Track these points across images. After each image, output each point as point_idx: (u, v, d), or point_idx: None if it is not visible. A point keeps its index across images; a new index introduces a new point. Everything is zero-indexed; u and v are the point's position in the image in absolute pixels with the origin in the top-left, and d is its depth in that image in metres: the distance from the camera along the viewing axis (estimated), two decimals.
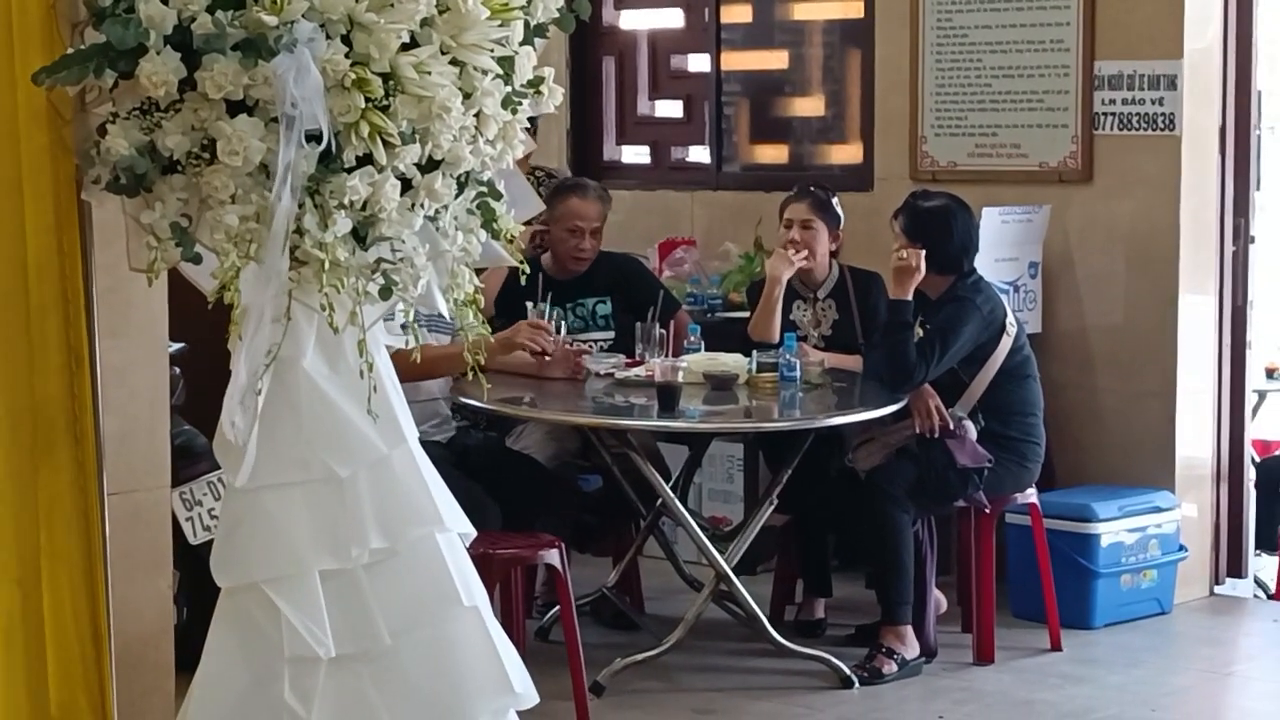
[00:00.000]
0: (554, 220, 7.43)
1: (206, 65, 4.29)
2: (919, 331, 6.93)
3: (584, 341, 7.22)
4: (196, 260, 4.51)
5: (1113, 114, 7.90)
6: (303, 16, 4.32)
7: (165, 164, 4.39)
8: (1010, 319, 7.16)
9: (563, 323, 7.18)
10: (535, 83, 4.77)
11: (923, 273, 6.94)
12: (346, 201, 4.42)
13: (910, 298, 6.94)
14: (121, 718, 4.69)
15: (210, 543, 4.80)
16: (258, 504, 4.53)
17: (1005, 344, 7.07)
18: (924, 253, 6.97)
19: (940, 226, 7.10)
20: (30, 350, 4.51)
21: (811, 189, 7.58)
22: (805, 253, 7.35)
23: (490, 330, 5.20)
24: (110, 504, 4.71)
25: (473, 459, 6.78)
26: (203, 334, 6.08)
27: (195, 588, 5.58)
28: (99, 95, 4.44)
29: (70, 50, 4.42)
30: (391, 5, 4.39)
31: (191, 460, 5.90)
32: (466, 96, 4.55)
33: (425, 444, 4.89)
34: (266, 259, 4.37)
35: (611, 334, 7.40)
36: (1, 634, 4.51)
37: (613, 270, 7.57)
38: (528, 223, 6.68)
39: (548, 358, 6.95)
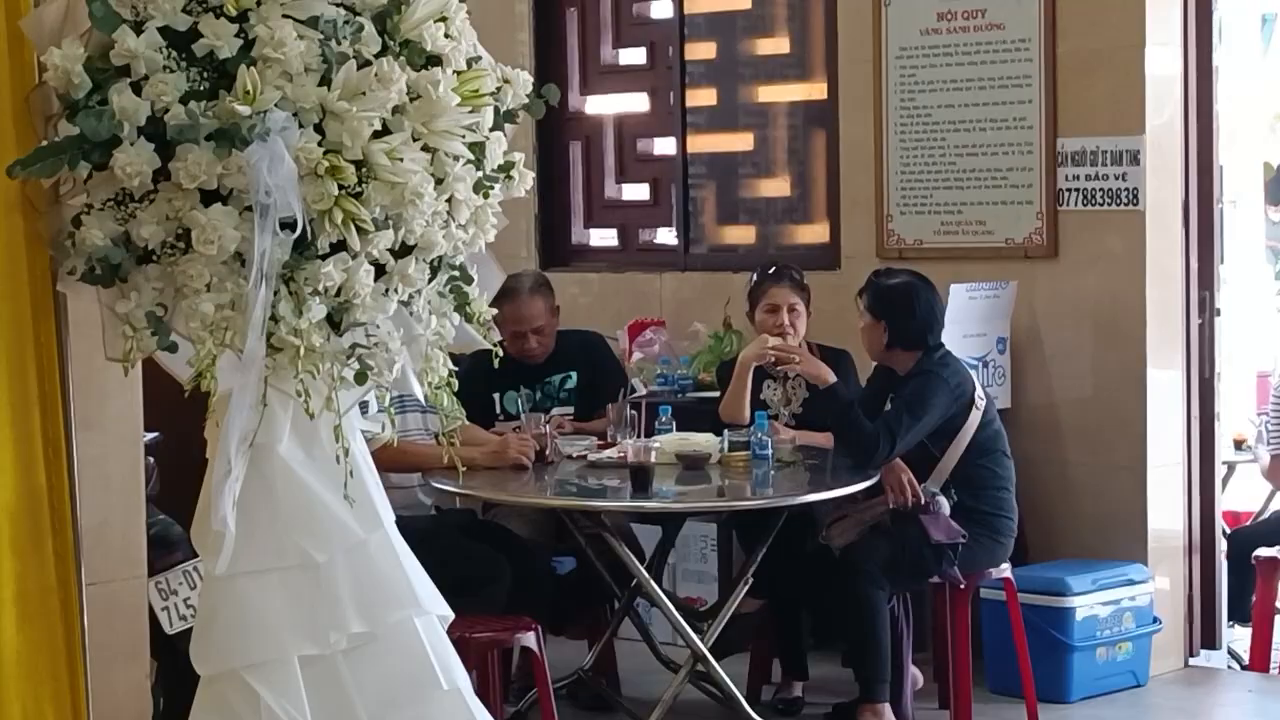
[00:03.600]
0: (500, 324, 7.45)
1: (180, 155, 4.31)
2: (888, 407, 6.97)
3: (542, 420, 7.22)
4: (172, 349, 4.52)
5: (1077, 190, 7.95)
6: (275, 105, 4.35)
7: (140, 254, 4.40)
8: (979, 393, 7.19)
9: (534, 410, 7.26)
10: (506, 167, 4.80)
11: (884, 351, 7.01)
12: (321, 288, 4.44)
13: (834, 380, 6.99)
14: None
15: (186, 632, 4.82)
16: (236, 591, 4.53)
17: (975, 418, 7.10)
18: (888, 330, 7.02)
19: (903, 303, 7.13)
20: (13, 444, 4.53)
21: (785, 271, 7.62)
22: (796, 336, 7.41)
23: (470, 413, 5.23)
24: (88, 594, 4.71)
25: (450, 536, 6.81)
26: (177, 423, 6.13)
27: (171, 678, 5.57)
28: (73, 187, 4.44)
29: (44, 143, 4.45)
30: (363, 93, 4.42)
31: (167, 549, 5.89)
32: (439, 182, 4.57)
33: (401, 522, 4.91)
34: (244, 346, 4.40)
35: (572, 408, 7.42)
36: None
37: (575, 346, 7.60)
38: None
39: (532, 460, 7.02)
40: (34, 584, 4.55)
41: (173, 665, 5.41)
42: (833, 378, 6.98)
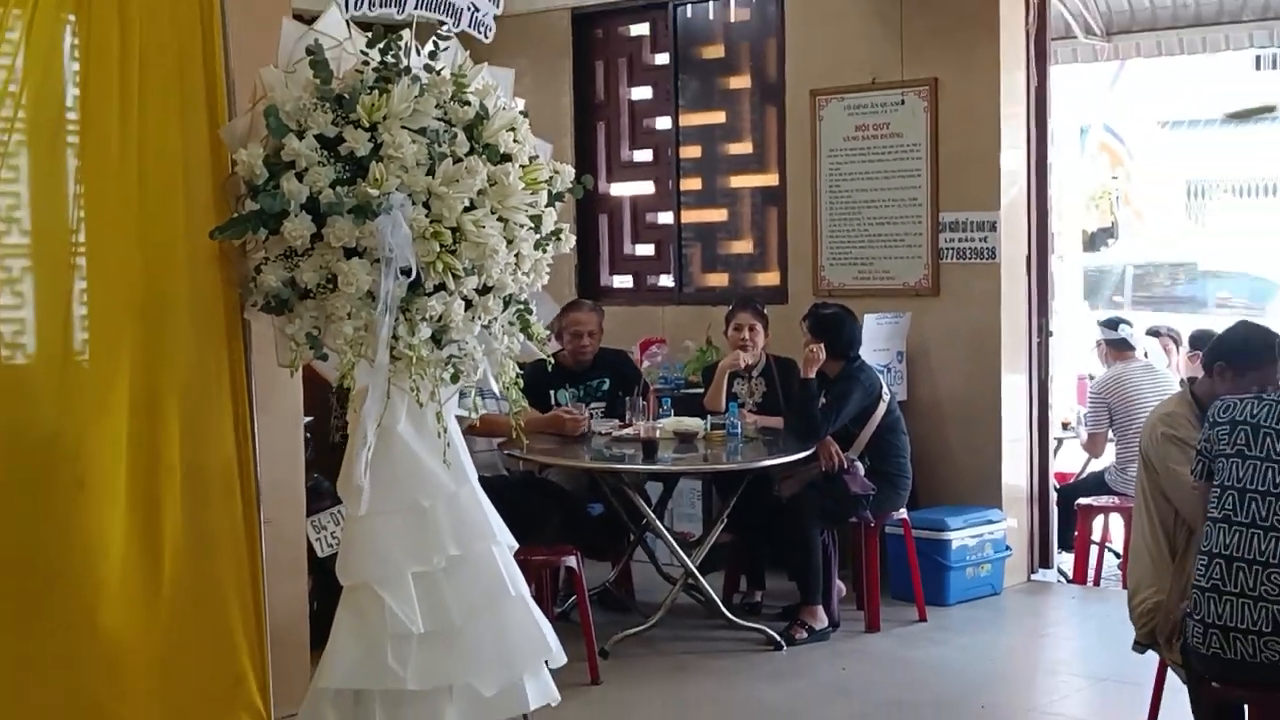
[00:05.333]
0: (563, 328, 7.46)
1: (330, 224, 4.32)
2: (822, 400, 6.95)
3: (584, 409, 7.22)
4: (324, 359, 4.54)
5: (952, 248, 7.92)
6: (396, 189, 4.35)
7: (302, 292, 4.41)
8: (885, 390, 7.17)
9: (576, 399, 7.27)
10: (555, 232, 4.81)
11: (822, 360, 6.98)
12: (427, 316, 4.45)
13: (814, 377, 6.97)
14: (274, 680, 4.68)
15: (333, 556, 4.81)
16: (368, 526, 4.54)
17: (882, 407, 7.09)
18: (824, 346, 7.02)
19: (835, 327, 7.12)
20: (218, 427, 4.53)
21: (750, 303, 7.60)
22: (755, 350, 7.41)
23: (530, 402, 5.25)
24: (265, 530, 4.72)
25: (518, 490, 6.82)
26: (326, 411, 6.15)
27: (322, 588, 5.56)
28: (255, 245, 4.46)
29: (235, 215, 4.45)
30: (457, 181, 4.42)
31: (319, 498, 5.90)
32: (509, 242, 4.58)
33: (483, 479, 4.91)
34: (374, 357, 4.39)
35: (604, 403, 7.41)
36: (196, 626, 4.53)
37: (608, 361, 7.59)
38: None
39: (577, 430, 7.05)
40: (229, 521, 4.56)
41: (323, 579, 5.41)
42: (812, 374, 6.97)
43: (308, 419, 5.80)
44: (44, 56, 4.38)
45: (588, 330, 7.47)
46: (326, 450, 6.08)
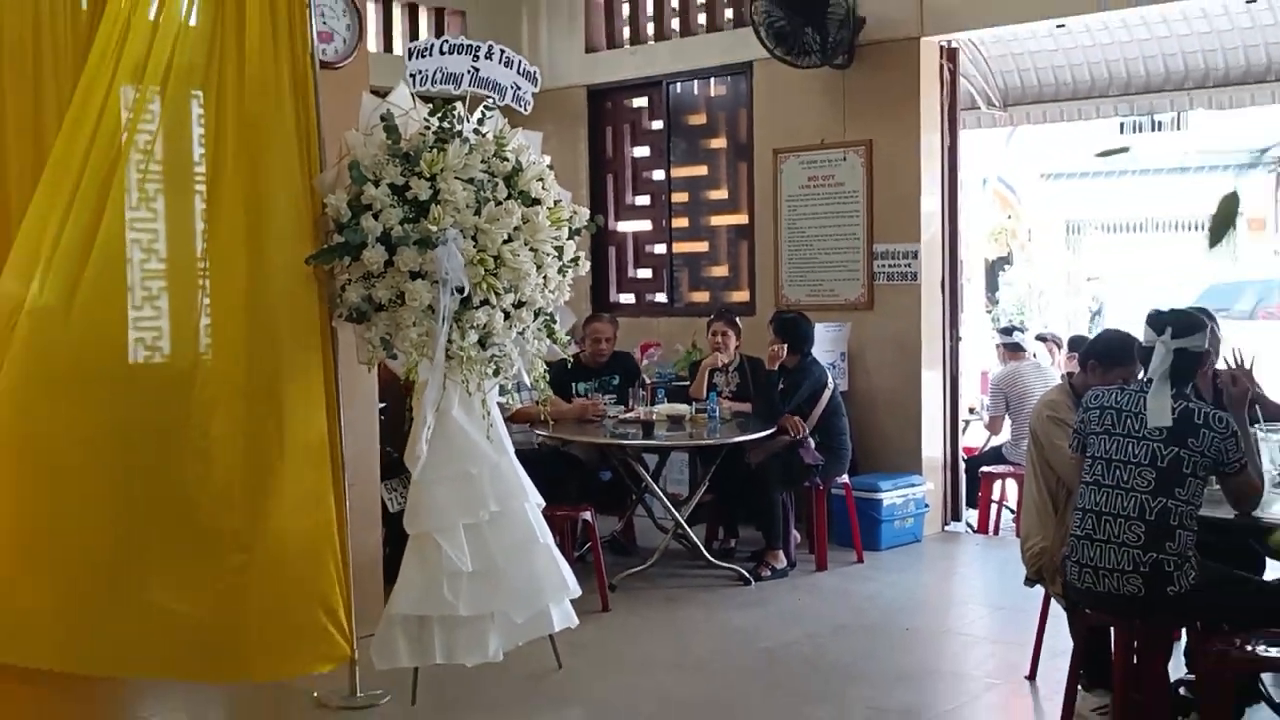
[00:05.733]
0: (586, 335, 7.48)
1: (399, 253, 4.34)
2: (781, 385, 6.95)
3: (602, 398, 7.22)
4: (394, 358, 4.55)
5: (884, 272, 7.90)
6: (451, 226, 4.37)
7: (377, 306, 4.43)
8: (830, 381, 7.17)
9: (594, 391, 7.28)
10: (574, 260, 4.83)
11: (784, 356, 6.99)
12: (475, 325, 4.47)
13: (776, 369, 6.98)
14: (356, 607, 4.69)
15: (400, 512, 4.82)
16: (429, 488, 4.56)
17: (827, 394, 7.07)
18: (785, 345, 7.02)
19: (793, 328, 7.11)
20: (313, 411, 4.54)
21: (726, 314, 7.59)
22: (729, 351, 7.41)
23: (554, 391, 5.26)
24: (350, 492, 4.73)
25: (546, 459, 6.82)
26: (395, 398, 6.15)
27: (393, 537, 5.56)
28: (340, 270, 4.48)
29: (325, 246, 4.46)
30: (498, 219, 4.44)
31: (390, 466, 5.89)
32: (539, 267, 4.60)
33: (519, 452, 4.92)
34: (434, 357, 4.40)
35: (615, 394, 7.40)
36: (299, 566, 4.54)
37: (618, 360, 7.59)
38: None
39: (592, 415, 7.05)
40: (322, 484, 4.57)
41: (393, 530, 5.41)
42: (774, 367, 6.99)
43: (382, 405, 5.79)
44: (177, 123, 4.41)
45: (605, 337, 7.48)
46: (397, 429, 6.08)
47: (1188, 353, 4.07)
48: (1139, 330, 4.32)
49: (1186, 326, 4.09)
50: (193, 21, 4.39)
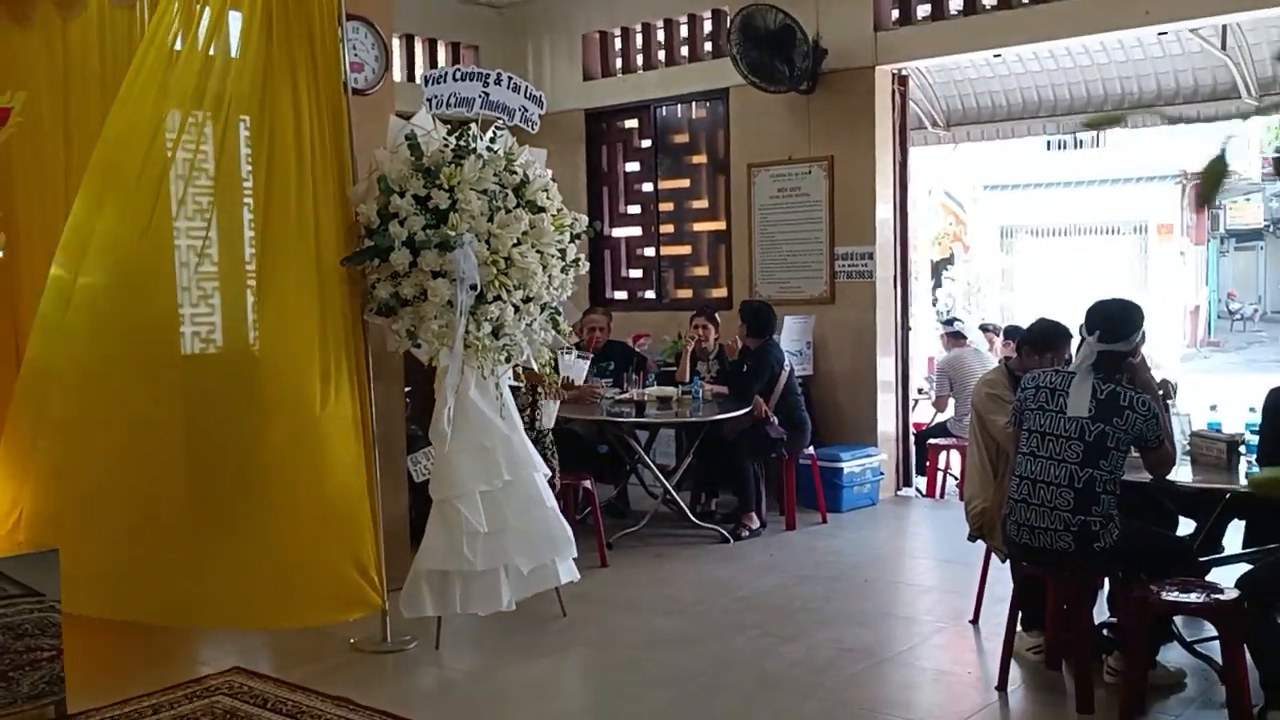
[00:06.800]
0: (584, 325, 7.45)
1: (422, 255, 4.31)
2: (745, 366, 6.94)
3: (599, 382, 7.19)
4: (418, 347, 4.52)
5: (844, 271, 7.88)
6: (467, 231, 4.34)
7: (403, 301, 4.39)
8: (787, 364, 7.06)
9: (594, 376, 7.22)
10: (575, 261, 4.79)
11: (739, 345, 6.97)
12: (488, 318, 4.44)
13: (738, 355, 6.95)
14: (386, 564, 4.66)
15: (426, 482, 4.79)
16: (450, 460, 4.53)
17: (783, 376, 6.92)
18: (747, 328, 6.98)
19: (754, 313, 7.04)
20: (347, 393, 4.51)
21: (705, 310, 7.58)
22: (708, 341, 7.39)
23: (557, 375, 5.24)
24: (379, 462, 4.70)
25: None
26: (420, 381, 6.11)
27: (418, 503, 5.53)
28: (371, 270, 4.44)
29: (357, 250, 4.43)
30: (508, 225, 4.41)
31: (414, 441, 5.86)
32: (544, 268, 4.57)
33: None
34: (453, 346, 4.38)
35: (610, 379, 7.38)
36: (338, 527, 4.52)
37: (614, 348, 7.57)
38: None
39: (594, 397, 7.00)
40: (355, 457, 4.55)
41: (418, 497, 5.38)
42: (734, 355, 6.96)
43: (408, 388, 5.76)
44: (228, 146, 4.39)
45: (599, 327, 7.46)
46: (421, 408, 6.05)
47: (1113, 353, 4.03)
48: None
49: (1115, 331, 4.01)
50: (233, 52, 4.36)
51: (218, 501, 4.28)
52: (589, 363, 6.79)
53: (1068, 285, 18.44)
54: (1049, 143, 21.03)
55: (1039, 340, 4.62)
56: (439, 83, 4.57)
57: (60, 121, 4.60)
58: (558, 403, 5.81)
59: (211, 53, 4.29)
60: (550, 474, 4.90)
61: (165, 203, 4.27)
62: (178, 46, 4.29)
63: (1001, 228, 22.15)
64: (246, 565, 4.29)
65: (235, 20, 4.34)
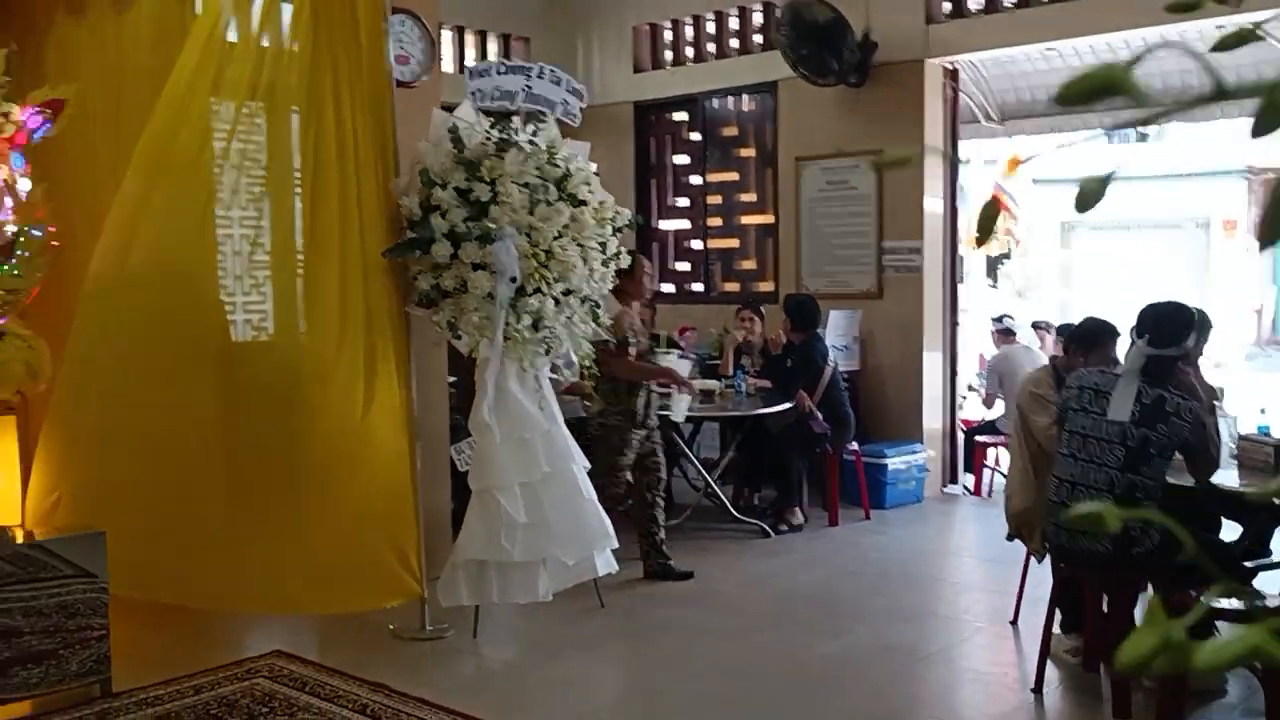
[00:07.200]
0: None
1: (463, 248, 4.34)
2: (789, 362, 6.91)
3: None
4: (459, 338, 4.55)
5: (892, 265, 7.84)
6: (508, 224, 4.36)
7: (444, 293, 4.43)
8: (831, 358, 7.05)
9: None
10: (616, 254, 4.80)
11: (783, 340, 6.93)
12: (529, 310, 4.46)
13: (781, 351, 6.92)
14: (426, 553, 4.71)
15: (467, 472, 4.83)
16: (491, 451, 4.56)
17: (828, 371, 6.91)
18: (792, 323, 6.95)
19: (797, 307, 7.03)
20: (390, 383, 4.56)
21: (751, 303, 7.57)
22: (754, 334, 7.38)
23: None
24: (421, 452, 4.75)
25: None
26: (462, 373, 6.17)
27: (459, 492, 5.55)
28: (413, 262, 4.48)
29: (400, 241, 4.47)
30: (549, 218, 4.43)
31: (457, 431, 5.91)
32: (584, 261, 4.58)
33: (568, 422, 4.91)
34: (494, 338, 4.41)
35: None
36: (381, 517, 4.58)
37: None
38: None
39: None
40: (398, 446, 4.60)
41: (459, 486, 5.42)
42: (778, 350, 6.96)
43: (451, 379, 5.81)
44: (280, 137, 4.45)
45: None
46: (463, 398, 6.10)
47: (1161, 358, 3.96)
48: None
49: (1164, 335, 3.93)
50: (278, 44, 4.41)
51: (261, 489, 4.35)
52: (692, 363, 6.85)
53: (1127, 282, 18.14)
54: (1109, 135, 20.66)
55: (1084, 339, 4.56)
56: (482, 76, 4.60)
57: (113, 113, 4.68)
58: (689, 397, 5.84)
59: (265, 43, 4.35)
60: (589, 466, 4.90)
61: (211, 194, 4.34)
62: (231, 38, 4.35)
63: (1063, 223, 21.80)
64: (286, 552, 4.35)
65: (286, 12, 4.40)
